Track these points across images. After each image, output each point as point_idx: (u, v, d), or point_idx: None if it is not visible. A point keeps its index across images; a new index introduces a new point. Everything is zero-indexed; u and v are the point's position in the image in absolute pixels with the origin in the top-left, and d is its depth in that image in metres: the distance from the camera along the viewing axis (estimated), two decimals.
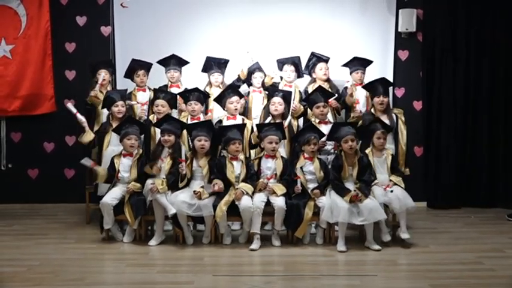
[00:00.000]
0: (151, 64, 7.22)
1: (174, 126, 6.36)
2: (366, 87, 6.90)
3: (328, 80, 7.18)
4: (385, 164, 6.30)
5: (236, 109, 6.68)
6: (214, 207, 6.02)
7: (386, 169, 6.30)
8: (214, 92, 7.03)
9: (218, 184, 6.10)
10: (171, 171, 6.23)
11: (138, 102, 7.01)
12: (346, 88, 7.14)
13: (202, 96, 6.81)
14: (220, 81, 7.16)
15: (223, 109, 6.78)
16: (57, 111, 8.04)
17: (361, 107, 6.97)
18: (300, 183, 6.15)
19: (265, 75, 7.12)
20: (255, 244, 6.06)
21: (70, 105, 6.79)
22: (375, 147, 6.32)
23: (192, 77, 7.32)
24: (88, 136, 6.69)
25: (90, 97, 6.93)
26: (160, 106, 6.69)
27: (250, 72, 7.13)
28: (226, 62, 7.24)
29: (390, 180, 6.21)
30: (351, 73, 7.19)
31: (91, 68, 7.25)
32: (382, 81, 6.85)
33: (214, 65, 7.17)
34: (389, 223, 6.36)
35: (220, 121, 6.72)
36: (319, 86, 6.88)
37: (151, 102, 6.91)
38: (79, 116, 6.70)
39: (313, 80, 7.23)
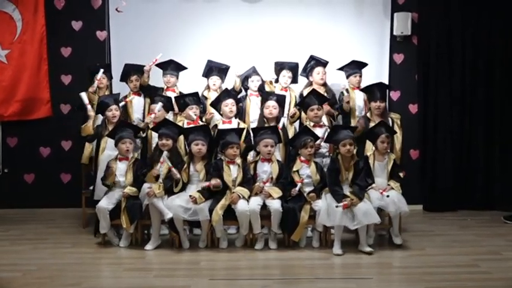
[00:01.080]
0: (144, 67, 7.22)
1: (171, 131, 6.37)
2: (364, 90, 6.92)
3: (324, 85, 7.20)
4: (386, 168, 6.31)
5: (231, 111, 6.69)
6: (211, 211, 6.02)
7: (386, 174, 6.31)
8: (212, 97, 7.03)
9: (215, 180, 6.11)
10: (168, 175, 6.23)
11: (129, 101, 7.05)
12: (343, 93, 7.17)
13: (199, 100, 6.84)
14: (218, 85, 7.17)
15: (219, 113, 6.79)
16: (53, 116, 8.05)
17: (360, 110, 7.00)
18: (298, 188, 6.15)
19: (262, 79, 7.13)
20: (260, 244, 6.14)
21: (84, 95, 6.74)
22: (378, 150, 6.32)
23: (188, 81, 7.32)
24: (87, 130, 6.70)
25: (88, 93, 6.99)
26: (151, 110, 6.70)
27: (247, 76, 7.15)
28: (227, 68, 7.24)
29: (388, 185, 6.22)
30: (348, 76, 7.20)
31: (89, 72, 7.28)
32: (380, 86, 6.88)
33: (214, 69, 7.19)
34: (386, 226, 6.37)
35: (215, 125, 6.73)
36: (314, 89, 6.90)
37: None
38: (89, 107, 6.71)
39: (310, 84, 7.23)
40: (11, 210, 7.88)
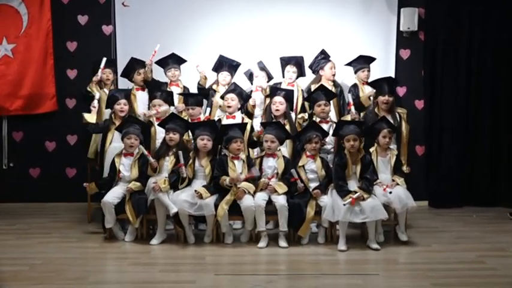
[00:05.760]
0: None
1: (178, 125, 6.37)
2: (372, 84, 6.90)
3: (333, 79, 7.17)
4: (389, 164, 6.28)
5: (229, 107, 6.67)
6: (216, 206, 6.02)
7: (390, 169, 6.28)
8: (221, 91, 7.03)
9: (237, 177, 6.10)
10: (173, 170, 6.23)
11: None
12: (352, 87, 7.14)
13: (201, 100, 6.85)
14: (227, 81, 7.14)
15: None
16: (58, 110, 8.07)
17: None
18: (301, 182, 6.13)
19: (267, 74, 7.10)
20: (263, 242, 6.09)
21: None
22: (380, 146, 6.29)
23: (192, 76, 7.28)
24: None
25: (92, 83, 7.09)
26: (158, 106, 6.69)
27: (252, 72, 7.14)
28: (238, 64, 7.22)
29: (393, 181, 6.20)
30: (356, 72, 7.19)
31: (93, 66, 7.26)
32: (388, 80, 6.86)
33: (225, 65, 7.17)
34: (392, 222, 6.35)
35: (219, 120, 6.72)
36: (322, 85, 6.87)
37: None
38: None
39: (319, 78, 7.18)
40: (17, 205, 7.91)
